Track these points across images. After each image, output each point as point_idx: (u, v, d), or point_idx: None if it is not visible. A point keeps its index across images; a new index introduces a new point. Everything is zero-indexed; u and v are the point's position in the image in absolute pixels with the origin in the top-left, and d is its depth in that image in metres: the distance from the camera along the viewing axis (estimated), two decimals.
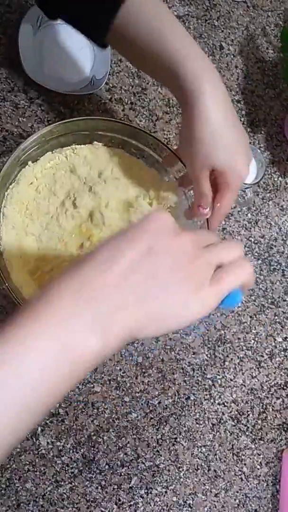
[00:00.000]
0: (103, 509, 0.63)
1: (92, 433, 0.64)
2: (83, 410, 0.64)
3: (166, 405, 0.68)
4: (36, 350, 0.29)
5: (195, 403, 0.69)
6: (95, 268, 0.32)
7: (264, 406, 0.72)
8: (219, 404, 0.70)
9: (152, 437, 0.66)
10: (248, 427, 0.71)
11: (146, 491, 0.65)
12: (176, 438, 0.68)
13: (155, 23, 0.47)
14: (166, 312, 0.33)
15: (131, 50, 0.51)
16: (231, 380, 0.71)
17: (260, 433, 0.72)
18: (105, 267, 0.32)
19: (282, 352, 0.74)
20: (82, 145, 0.60)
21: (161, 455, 0.67)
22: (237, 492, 0.69)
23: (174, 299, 0.33)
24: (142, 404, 0.67)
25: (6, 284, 0.50)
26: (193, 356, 0.70)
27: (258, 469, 0.71)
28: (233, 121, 0.50)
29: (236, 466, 0.70)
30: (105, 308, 0.31)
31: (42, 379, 0.29)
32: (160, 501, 0.66)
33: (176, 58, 0.47)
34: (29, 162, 0.56)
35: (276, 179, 0.79)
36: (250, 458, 0.71)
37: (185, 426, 0.68)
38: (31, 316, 0.30)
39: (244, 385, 0.72)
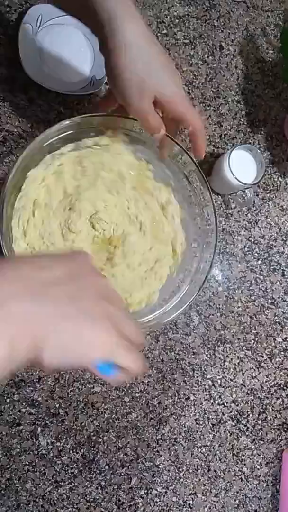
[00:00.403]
0: (103, 509, 0.63)
1: (92, 433, 0.64)
2: (83, 410, 0.64)
3: (166, 405, 0.68)
4: None
5: (195, 403, 0.69)
6: (19, 275, 0.32)
7: (264, 406, 0.72)
8: (219, 404, 0.70)
9: (152, 437, 0.66)
10: (248, 427, 0.71)
11: (146, 491, 0.65)
12: (176, 438, 0.67)
13: None
14: (74, 333, 0.33)
15: None
16: (231, 380, 0.71)
17: (260, 433, 0.72)
18: (30, 275, 0.32)
19: (282, 352, 0.74)
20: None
21: (161, 455, 0.67)
22: (237, 492, 0.69)
23: (84, 324, 0.33)
24: (142, 404, 0.67)
25: None
26: (193, 356, 0.70)
27: (258, 469, 0.71)
28: (154, 44, 0.48)
29: (236, 466, 0.70)
30: (19, 313, 0.30)
31: None
32: (160, 501, 0.66)
33: None
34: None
35: (276, 179, 0.79)
36: (250, 458, 0.71)
37: (185, 426, 0.68)
38: None
39: (244, 385, 0.72)
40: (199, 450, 0.68)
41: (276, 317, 0.75)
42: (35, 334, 0.31)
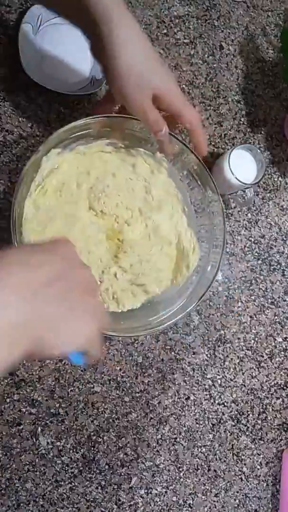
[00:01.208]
0: (103, 509, 0.63)
1: (92, 433, 0.64)
2: (83, 410, 0.64)
3: (166, 405, 0.68)
4: None
5: (195, 403, 0.69)
6: (14, 281, 0.33)
7: (264, 406, 0.72)
8: (219, 404, 0.70)
9: (152, 437, 0.66)
10: (248, 427, 0.71)
11: (146, 491, 0.65)
12: (176, 438, 0.68)
13: None
14: (65, 330, 0.36)
15: None
16: (231, 380, 0.71)
17: (260, 433, 0.72)
18: (23, 280, 0.34)
19: (282, 352, 0.74)
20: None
21: (161, 455, 0.67)
22: (237, 492, 0.69)
23: (73, 322, 0.36)
24: (142, 404, 0.67)
25: None
26: (193, 356, 0.70)
27: (258, 469, 0.71)
28: (148, 43, 0.49)
29: (236, 466, 0.70)
30: (14, 319, 0.32)
31: None
32: (160, 501, 0.66)
33: None
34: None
35: (276, 179, 0.79)
36: (250, 458, 0.71)
37: (185, 426, 0.68)
38: None
39: (244, 385, 0.72)
40: (199, 450, 0.68)
41: (276, 317, 0.75)
42: (30, 336, 0.33)
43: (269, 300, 0.75)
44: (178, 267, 0.63)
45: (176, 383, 0.68)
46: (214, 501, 0.68)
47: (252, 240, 0.76)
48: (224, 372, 0.71)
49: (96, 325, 0.39)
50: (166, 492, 0.66)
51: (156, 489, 0.66)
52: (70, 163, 0.59)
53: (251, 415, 0.72)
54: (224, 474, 0.69)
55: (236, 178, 0.66)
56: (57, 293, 0.35)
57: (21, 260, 0.35)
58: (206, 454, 0.69)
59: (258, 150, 0.69)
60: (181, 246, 0.63)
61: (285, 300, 0.76)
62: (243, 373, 0.72)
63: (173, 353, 0.69)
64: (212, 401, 0.70)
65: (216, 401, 0.70)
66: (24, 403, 0.62)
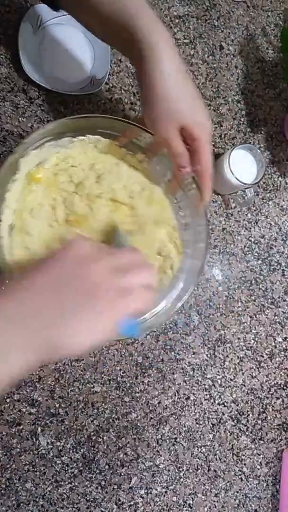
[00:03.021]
0: (103, 509, 0.63)
1: (92, 433, 0.64)
2: (83, 410, 0.64)
3: (166, 405, 0.68)
4: None
5: (195, 403, 0.69)
6: (15, 298, 0.37)
7: (264, 406, 0.72)
8: (219, 404, 0.70)
9: (152, 437, 0.66)
10: (248, 427, 0.71)
11: (146, 491, 0.65)
12: (176, 438, 0.67)
13: None
14: (74, 333, 0.37)
15: (82, 11, 0.51)
16: (231, 380, 0.71)
17: (260, 433, 0.72)
18: (23, 295, 0.37)
19: (282, 352, 0.74)
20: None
21: (161, 455, 0.67)
22: (237, 492, 0.69)
23: (82, 322, 0.37)
24: (142, 404, 0.67)
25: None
26: (193, 356, 0.70)
27: (258, 469, 0.71)
28: (188, 76, 0.51)
29: (236, 466, 0.70)
30: (31, 330, 0.35)
31: None
32: (160, 501, 0.66)
33: (130, 15, 0.47)
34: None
35: (276, 179, 0.79)
36: (250, 458, 0.71)
37: (185, 426, 0.68)
38: None
39: (244, 385, 0.72)
40: (199, 450, 0.68)
41: (276, 317, 0.75)
42: (38, 348, 0.36)
43: (269, 300, 0.75)
44: (162, 268, 0.62)
45: (176, 383, 0.68)
46: (214, 501, 0.68)
47: (252, 240, 0.76)
48: (224, 372, 0.71)
49: (111, 312, 0.38)
50: (166, 492, 0.66)
51: (156, 489, 0.66)
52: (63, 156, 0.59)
53: (251, 415, 0.72)
54: (224, 474, 0.69)
55: (236, 178, 0.66)
56: (54, 303, 0.37)
57: (15, 291, 0.37)
58: (206, 454, 0.69)
59: (258, 150, 0.69)
60: (165, 246, 0.62)
61: (285, 300, 0.76)
62: (243, 373, 0.72)
63: (173, 353, 0.69)
64: (212, 401, 0.70)
65: (216, 401, 0.70)
66: (24, 403, 0.62)
